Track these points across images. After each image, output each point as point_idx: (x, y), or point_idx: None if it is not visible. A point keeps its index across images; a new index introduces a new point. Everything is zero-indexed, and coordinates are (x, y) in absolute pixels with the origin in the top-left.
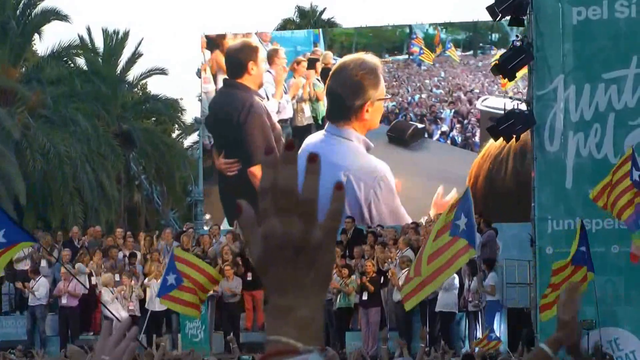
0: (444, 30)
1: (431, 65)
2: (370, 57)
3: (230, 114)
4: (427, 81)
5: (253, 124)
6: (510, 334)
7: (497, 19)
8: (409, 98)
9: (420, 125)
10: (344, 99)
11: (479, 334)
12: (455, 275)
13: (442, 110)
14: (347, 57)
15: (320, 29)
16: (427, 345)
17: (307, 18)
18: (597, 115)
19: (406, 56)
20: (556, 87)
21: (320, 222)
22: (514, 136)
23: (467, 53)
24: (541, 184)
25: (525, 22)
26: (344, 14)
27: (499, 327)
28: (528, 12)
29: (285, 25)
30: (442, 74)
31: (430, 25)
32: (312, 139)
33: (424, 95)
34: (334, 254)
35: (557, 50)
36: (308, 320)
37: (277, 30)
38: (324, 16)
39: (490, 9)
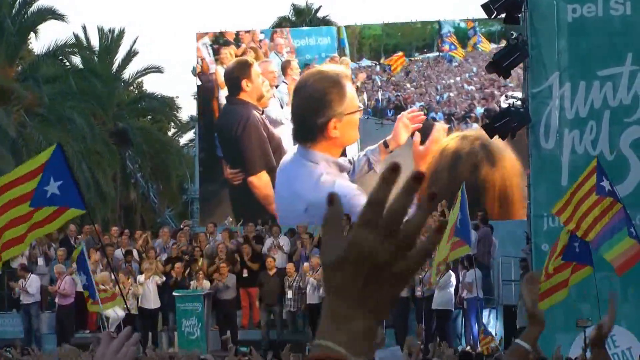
0: (476, 23)
1: (463, 61)
2: (331, 68)
3: (230, 128)
4: (458, 78)
5: (249, 136)
6: (506, 331)
7: (493, 16)
8: (438, 97)
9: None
10: (307, 118)
11: (476, 332)
12: (452, 274)
13: (473, 107)
14: (307, 72)
15: (344, 30)
16: (423, 342)
17: (303, 16)
18: (592, 113)
19: (436, 53)
20: (551, 85)
21: (409, 256)
22: (510, 133)
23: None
24: (537, 181)
25: (521, 19)
26: (339, 11)
27: (495, 325)
28: (523, 9)
29: (281, 23)
30: (474, 70)
31: (460, 20)
32: (285, 160)
33: (453, 94)
34: (401, 290)
35: (552, 47)
36: (362, 334)
37: (273, 27)
38: (320, 14)
39: (485, 6)
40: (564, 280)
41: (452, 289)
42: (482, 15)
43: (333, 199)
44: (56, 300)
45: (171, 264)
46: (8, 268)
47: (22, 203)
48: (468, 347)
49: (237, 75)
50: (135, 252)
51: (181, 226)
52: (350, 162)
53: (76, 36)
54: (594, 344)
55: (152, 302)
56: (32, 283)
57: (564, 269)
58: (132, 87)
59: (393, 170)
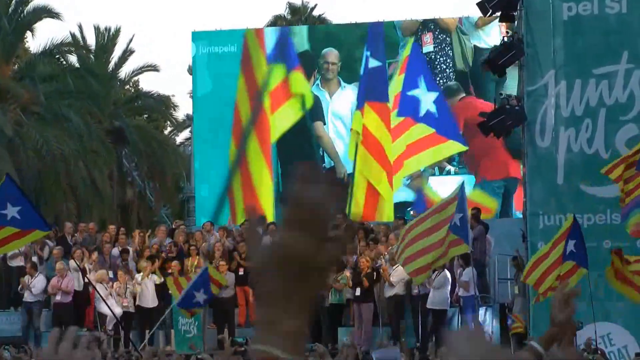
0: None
1: None
2: None
3: None
4: None
5: None
6: (502, 330)
7: (488, 14)
8: None
9: None
10: None
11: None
12: (448, 273)
13: None
14: None
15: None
16: (419, 341)
17: (298, 14)
18: (588, 111)
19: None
20: (547, 83)
21: (328, 243)
22: (505, 132)
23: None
24: (532, 180)
25: (516, 17)
26: (335, 10)
27: (491, 323)
28: (519, 8)
29: (276, 21)
30: None
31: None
32: None
33: None
34: (328, 279)
35: (547, 45)
36: (293, 333)
37: (268, 25)
38: (315, 12)
39: (481, 4)
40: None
41: (447, 289)
42: (477, 13)
43: (250, 212)
44: (58, 297)
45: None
46: (5, 266)
47: None
48: None
49: None
50: (131, 251)
51: (173, 226)
52: None
53: (72, 35)
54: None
55: (151, 300)
56: (38, 282)
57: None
58: (128, 86)
59: (312, 169)
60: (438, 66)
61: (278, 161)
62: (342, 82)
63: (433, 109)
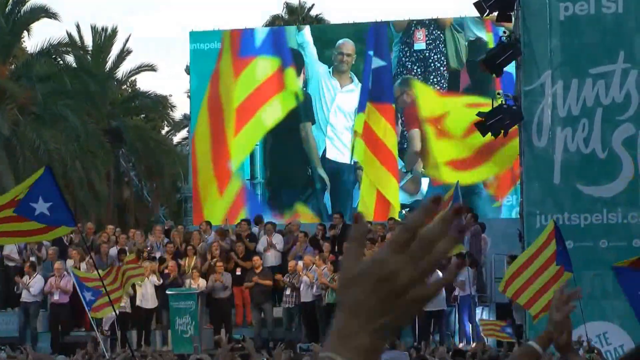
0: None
1: None
2: None
3: None
4: None
5: None
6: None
7: (485, 14)
8: None
9: None
10: None
11: (469, 329)
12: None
13: None
14: None
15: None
16: (417, 341)
17: (296, 14)
18: (584, 111)
19: None
20: (544, 83)
21: (429, 276)
22: (502, 131)
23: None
24: (529, 179)
25: (513, 17)
26: (332, 10)
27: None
28: (515, 7)
29: (274, 21)
30: None
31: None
32: None
33: None
34: (412, 316)
35: (544, 45)
36: (367, 352)
37: (265, 25)
38: (312, 12)
39: (477, 4)
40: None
41: (443, 289)
42: (474, 12)
43: (358, 218)
44: (55, 297)
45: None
46: (1, 266)
47: (5, 209)
48: (461, 345)
49: None
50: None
51: (165, 227)
52: None
53: (69, 35)
54: (565, 350)
55: (150, 301)
56: (36, 282)
57: (561, 274)
58: (125, 86)
59: (435, 201)
60: (432, 64)
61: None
62: (354, 79)
63: None
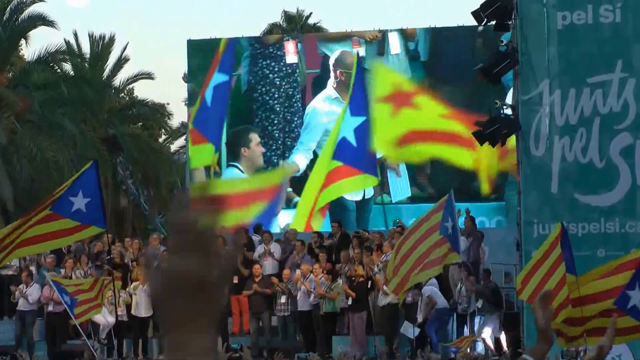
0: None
1: None
2: None
3: None
4: None
5: None
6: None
7: (483, 23)
8: None
9: None
10: None
11: (435, 341)
12: (435, 282)
13: None
14: None
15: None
16: (413, 348)
17: (294, 23)
18: (582, 120)
19: None
20: (541, 92)
21: (218, 261)
22: (500, 140)
23: None
24: (527, 188)
25: (511, 26)
26: (330, 18)
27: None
28: (513, 16)
29: (272, 30)
30: None
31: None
32: None
33: None
34: (226, 292)
35: (542, 54)
36: (203, 350)
37: (264, 34)
38: (310, 21)
39: (475, 13)
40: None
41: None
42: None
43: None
44: (50, 307)
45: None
46: None
47: (45, 208)
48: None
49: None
50: (125, 259)
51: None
52: None
53: (67, 43)
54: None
55: (144, 309)
56: (34, 291)
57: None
58: (122, 94)
59: (183, 194)
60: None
61: None
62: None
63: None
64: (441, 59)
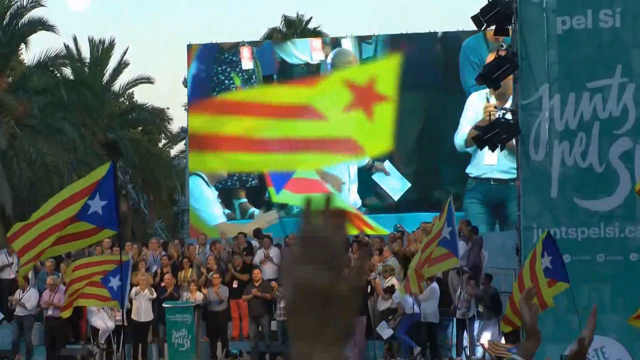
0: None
1: None
2: None
3: None
4: None
5: None
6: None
7: (482, 28)
8: None
9: None
10: None
11: (466, 343)
12: (436, 285)
13: None
14: None
15: None
16: (413, 354)
17: (294, 27)
18: (582, 124)
19: None
20: (541, 96)
21: (347, 276)
22: (499, 145)
23: None
24: (526, 193)
25: (510, 31)
26: (330, 23)
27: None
28: (513, 21)
29: (272, 34)
30: None
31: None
32: None
33: None
34: (357, 310)
35: (542, 59)
36: None
37: (265, 39)
38: (310, 25)
39: (475, 18)
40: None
41: (436, 301)
42: (471, 26)
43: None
44: (49, 312)
45: (160, 275)
46: None
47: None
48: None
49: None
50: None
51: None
52: None
53: (67, 47)
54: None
55: (144, 314)
56: (31, 296)
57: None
58: (122, 98)
59: (309, 203)
60: None
61: None
62: None
63: None
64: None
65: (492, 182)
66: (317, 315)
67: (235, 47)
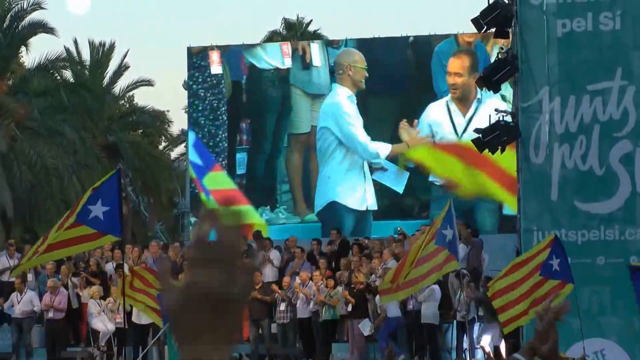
0: None
1: None
2: None
3: None
4: None
5: None
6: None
7: (482, 31)
8: None
9: None
10: None
11: (466, 346)
12: (436, 287)
13: None
14: None
15: None
16: (413, 356)
17: (294, 30)
18: (582, 127)
19: None
20: (541, 99)
21: (239, 274)
22: (500, 148)
23: None
24: (526, 196)
25: (511, 34)
26: (330, 25)
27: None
28: (513, 24)
29: (272, 37)
30: None
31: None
32: None
33: None
34: (244, 308)
35: (542, 62)
36: None
37: (264, 41)
38: (310, 28)
39: (475, 21)
40: (540, 297)
41: (436, 303)
42: (472, 29)
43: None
44: (50, 314)
45: None
46: None
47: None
48: None
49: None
50: (126, 267)
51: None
52: None
53: (67, 50)
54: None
55: (144, 317)
56: (28, 299)
57: (542, 285)
58: (122, 101)
59: (210, 210)
60: None
61: None
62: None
63: None
64: (370, 71)
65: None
66: (211, 317)
67: (204, 52)
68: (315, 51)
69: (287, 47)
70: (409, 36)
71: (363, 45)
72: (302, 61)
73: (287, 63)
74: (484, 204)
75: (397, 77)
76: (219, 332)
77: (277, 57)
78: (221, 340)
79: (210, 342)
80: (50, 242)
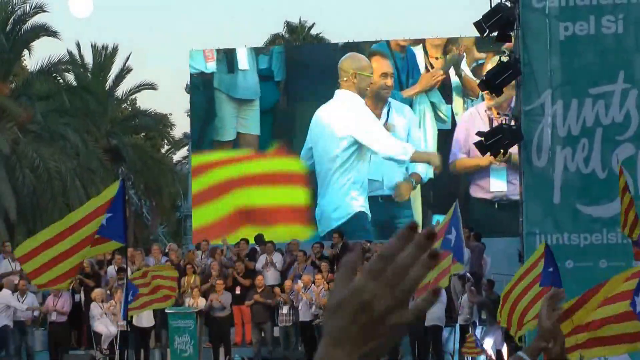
0: None
1: None
2: None
3: None
4: None
5: None
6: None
7: (485, 34)
8: None
9: None
10: None
11: None
12: (443, 289)
13: None
14: None
15: None
16: (416, 358)
17: (296, 33)
18: (584, 130)
19: None
20: (544, 102)
21: (404, 311)
22: (502, 151)
23: None
24: (529, 199)
25: (513, 37)
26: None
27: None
28: (515, 27)
29: (274, 40)
30: None
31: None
32: None
33: None
34: (391, 342)
35: (544, 65)
36: None
37: (267, 44)
38: (313, 31)
39: (477, 24)
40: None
41: (441, 305)
42: (474, 33)
43: (354, 248)
44: (52, 317)
45: None
46: None
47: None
48: None
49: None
50: (129, 270)
51: (166, 249)
52: None
53: (70, 53)
54: None
55: (145, 320)
56: (30, 302)
57: (542, 296)
58: (125, 104)
59: (411, 228)
60: None
61: None
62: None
63: None
64: (298, 79)
65: (380, 199)
66: (359, 329)
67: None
68: (243, 56)
69: (210, 52)
70: (338, 43)
71: (289, 51)
72: (228, 66)
73: (210, 67)
74: None
75: (328, 82)
76: (361, 347)
77: (200, 62)
78: (360, 356)
79: (350, 352)
80: (63, 249)
